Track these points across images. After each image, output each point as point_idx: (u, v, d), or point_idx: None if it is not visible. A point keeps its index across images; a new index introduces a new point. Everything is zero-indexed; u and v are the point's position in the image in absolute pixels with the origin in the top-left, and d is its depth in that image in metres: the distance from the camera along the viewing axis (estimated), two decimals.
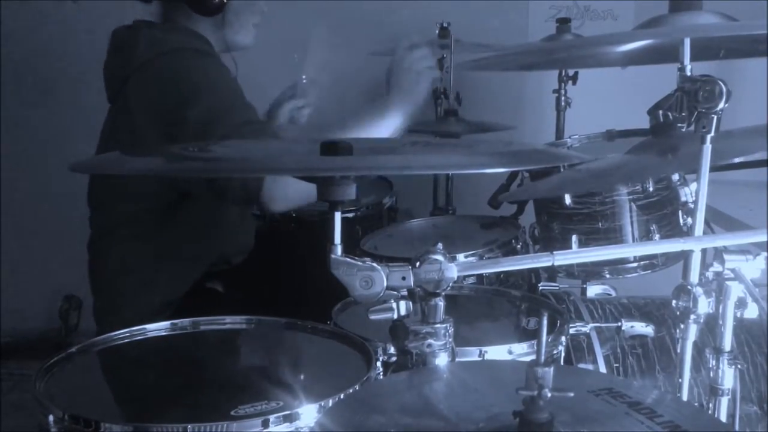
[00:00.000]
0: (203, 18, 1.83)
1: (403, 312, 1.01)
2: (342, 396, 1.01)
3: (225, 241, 1.93)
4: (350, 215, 2.15)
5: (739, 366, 1.11)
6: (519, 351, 1.24)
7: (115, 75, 1.83)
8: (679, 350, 1.15)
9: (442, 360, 1.00)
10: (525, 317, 1.44)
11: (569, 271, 1.78)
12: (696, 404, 1.35)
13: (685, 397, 1.17)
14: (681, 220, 1.72)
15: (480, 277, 1.67)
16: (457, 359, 1.03)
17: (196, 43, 1.80)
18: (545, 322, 0.79)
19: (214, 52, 1.84)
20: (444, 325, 1.00)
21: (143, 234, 1.82)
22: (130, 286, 1.84)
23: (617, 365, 1.47)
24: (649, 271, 1.70)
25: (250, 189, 1.61)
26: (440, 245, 1.00)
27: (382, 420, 0.83)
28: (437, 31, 2.51)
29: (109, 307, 1.87)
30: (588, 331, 1.45)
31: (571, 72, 2.53)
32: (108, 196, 1.86)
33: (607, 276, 1.73)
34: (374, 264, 0.99)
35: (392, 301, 1.01)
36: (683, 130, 1.13)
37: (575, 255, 1.44)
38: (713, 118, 1.08)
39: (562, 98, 2.57)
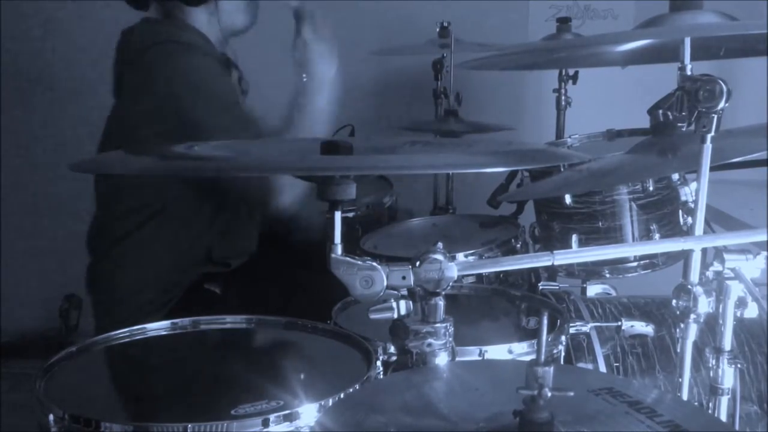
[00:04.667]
0: (198, 9, 1.83)
1: (403, 311, 1.02)
2: (342, 395, 1.01)
3: (224, 240, 1.93)
4: (350, 215, 2.14)
5: (739, 365, 1.11)
6: (519, 350, 1.24)
7: (115, 70, 1.84)
8: (679, 350, 1.15)
9: (442, 359, 1.00)
10: (525, 317, 1.44)
11: (569, 270, 1.78)
12: (696, 404, 1.35)
13: (685, 397, 1.17)
14: (681, 220, 1.72)
15: (480, 276, 1.67)
16: (457, 358, 1.03)
17: (190, 37, 1.81)
18: (545, 321, 0.79)
19: (209, 49, 1.84)
20: (444, 325, 1.00)
21: (142, 229, 1.83)
22: (128, 281, 1.85)
23: (617, 365, 1.47)
24: (649, 271, 1.70)
25: (265, 191, 1.63)
26: (440, 244, 1.00)
27: (382, 419, 0.83)
28: (437, 31, 2.52)
29: (108, 302, 1.88)
30: (588, 331, 1.45)
31: (571, 71, 2.52)
32: (109, 191, 1.87)
33: (607, 275, 1.73)
34: (374, 263, 0.99)
35: (392, 300, 1.01)
36: (683, 129, 1.13)
37: (575, 254, 1.44)
38: (713, 117, 1.08)
39: (563, 98, 2.57)
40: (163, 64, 1.74)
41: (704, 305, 1.09)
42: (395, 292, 1.00)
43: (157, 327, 1.31)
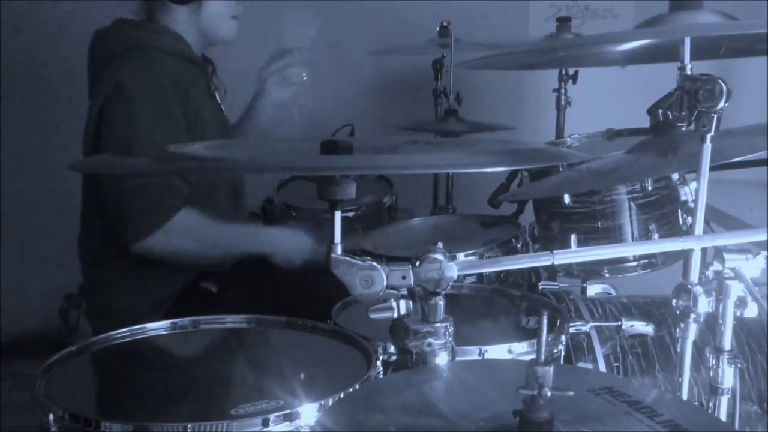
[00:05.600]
0: (179, 9, 1.82)
1: (403, 311, 1.02)
2: (342, 395, 1.01)
3: None
4: (350, 214, 2.14)
5: (739, 365, 1.11)
6: (519, 350, 1.24)
7: (89, 74, 1.85)
8: (679, 349, 1.15)
9: (442, 359, 1.00)
10: (525, 316, 1.44)
11: (569, 270, 1.78)
12: (696, 403, 1.35)
13: (685, 396, 1.17)
14: (680, 219, 1.72)
15: (480, 276, 1.67)
16: (457, 358, 1.03)
17: (164, 42, 1.80)
18: (545, 321, 0.79)
19: (184, 51, 1.83)
20: (444, 324, 1.00)
21: None
22: (123, 284, 1.85)
23: (617, 364, 1.47)
24: (649, 270, 1.70)
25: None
26: (440, 244, 1.00)
27: (382, 419, 0.83)
28: (437, 31, 2.52)
29: (102, 304, 1.88)
30: (588, 330, 1.45)
31: (571, 71, 2.52)
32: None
33: (607, 275, 1.73)
34: (374, 263, 0.99)
35: (392, 300, 1.01)
36: (683, 129, 1.13)
37: (575, 254, 1.44)
38: (713, 117, 1.08)
39: (562, 97, 2.57)
40: (129, 69, 1.74)
41: (704, 305, 1.09)
42: (395, 291, 1.01)
43: (157, 327, 1.31)
